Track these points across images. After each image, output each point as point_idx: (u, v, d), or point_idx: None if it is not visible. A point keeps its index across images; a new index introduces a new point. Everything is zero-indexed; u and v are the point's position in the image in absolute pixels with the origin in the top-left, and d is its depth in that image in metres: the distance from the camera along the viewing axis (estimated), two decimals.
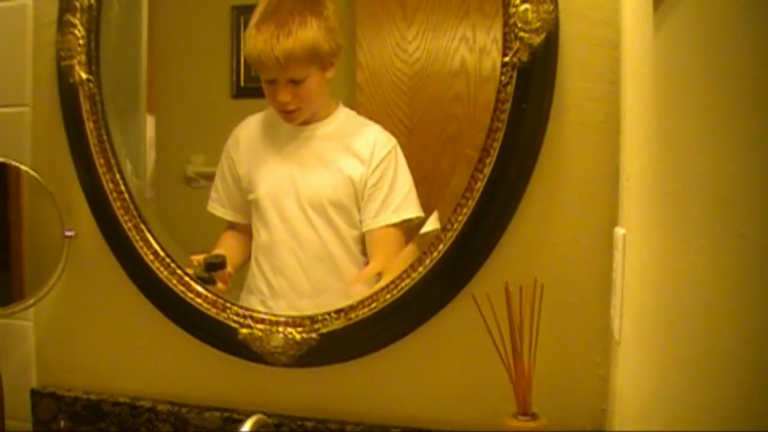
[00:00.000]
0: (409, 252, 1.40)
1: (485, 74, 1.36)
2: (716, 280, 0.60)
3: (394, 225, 1.45)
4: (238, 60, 1.59)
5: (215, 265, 1.51)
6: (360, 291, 1.42)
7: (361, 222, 1.48)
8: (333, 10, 1.45)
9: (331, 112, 1.51)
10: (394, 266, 1.38)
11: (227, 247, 1.59)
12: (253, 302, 1.51)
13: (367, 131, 1.48)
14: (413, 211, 1.44)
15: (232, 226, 1.60)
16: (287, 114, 1.49)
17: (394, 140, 1.45)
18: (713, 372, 0.59)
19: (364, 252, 1.49)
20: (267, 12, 1.45)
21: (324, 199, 1.47)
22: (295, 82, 1.44)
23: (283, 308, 1.47)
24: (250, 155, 1.55)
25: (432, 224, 1.38)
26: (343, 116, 1.51)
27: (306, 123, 1.51)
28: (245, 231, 1.57)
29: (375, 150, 1.46)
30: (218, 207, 1.59)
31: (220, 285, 1.51)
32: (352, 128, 1.51)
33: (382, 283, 1.38)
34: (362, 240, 1.49)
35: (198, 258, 1.53)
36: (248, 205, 1.55)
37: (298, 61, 1.42)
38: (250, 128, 1.57)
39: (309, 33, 1.41)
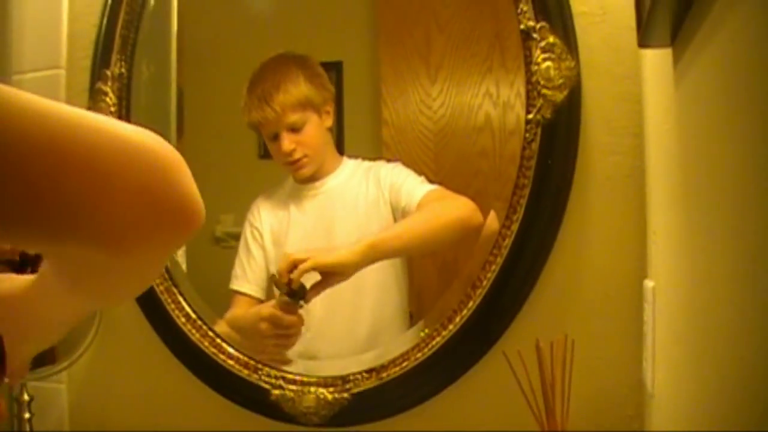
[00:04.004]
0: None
1: (510, 128, 1.37)
2: (746, 335, 0.59)
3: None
4: None
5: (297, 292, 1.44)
6: None
7: (404, 208, 1.46)
8: (315, 61, 1.53)
9: (338, 165, 1.54)
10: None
11: None
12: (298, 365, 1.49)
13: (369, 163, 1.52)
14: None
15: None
16: (295, 164, 1.51)
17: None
18: (747, 427, 0.59)
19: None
20: (255, 80, 1.53)
21: (368, 232, 1.46)
22: (295, 130, 1.49)
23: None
24: (273, 224, 1.57)
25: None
26: (351, 165, 1.54)
27: (316, 179, 1.53)
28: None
29: (372, 167, 1.50)
30: (245, 284, 1.57)
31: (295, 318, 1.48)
32: (361, 170, 1.53)
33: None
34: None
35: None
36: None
37: (292, 106, 1.48)
38: (267, 201, 1.59)
39: (298, 80, 1.50)
